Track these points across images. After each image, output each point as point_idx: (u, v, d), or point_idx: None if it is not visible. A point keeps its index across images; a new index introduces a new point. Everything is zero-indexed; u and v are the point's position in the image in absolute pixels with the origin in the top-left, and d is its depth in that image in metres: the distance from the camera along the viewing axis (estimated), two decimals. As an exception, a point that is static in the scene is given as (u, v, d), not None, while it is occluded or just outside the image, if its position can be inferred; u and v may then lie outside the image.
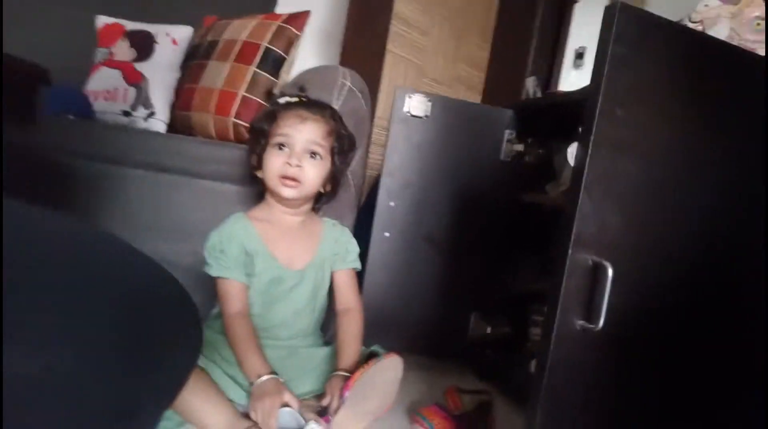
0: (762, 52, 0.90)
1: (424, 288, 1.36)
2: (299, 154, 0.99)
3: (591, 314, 0.61)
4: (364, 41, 1.91)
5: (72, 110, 1.34)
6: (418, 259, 1.34)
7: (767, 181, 0.69)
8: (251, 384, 0.87)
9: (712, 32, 0.91)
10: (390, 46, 2.00)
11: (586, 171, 0.60)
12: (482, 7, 2.48)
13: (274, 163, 0.99)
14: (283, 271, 1.01)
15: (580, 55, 1.45)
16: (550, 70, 2.64)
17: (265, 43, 1.47)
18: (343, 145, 1.05)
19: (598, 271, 0.61)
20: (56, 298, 0.34)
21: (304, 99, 1.04)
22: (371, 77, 1.97)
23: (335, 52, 1.98)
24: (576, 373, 0.63)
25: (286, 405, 0.85)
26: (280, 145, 1.00)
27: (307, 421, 0.85)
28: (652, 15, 0.59)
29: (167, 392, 0.47)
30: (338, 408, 0.86)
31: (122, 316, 0.40)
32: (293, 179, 0.98)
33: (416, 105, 1.28)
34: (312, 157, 1.00)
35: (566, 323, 0.62)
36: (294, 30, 1.51)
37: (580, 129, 0.62)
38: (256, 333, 0.96)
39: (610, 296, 0.60)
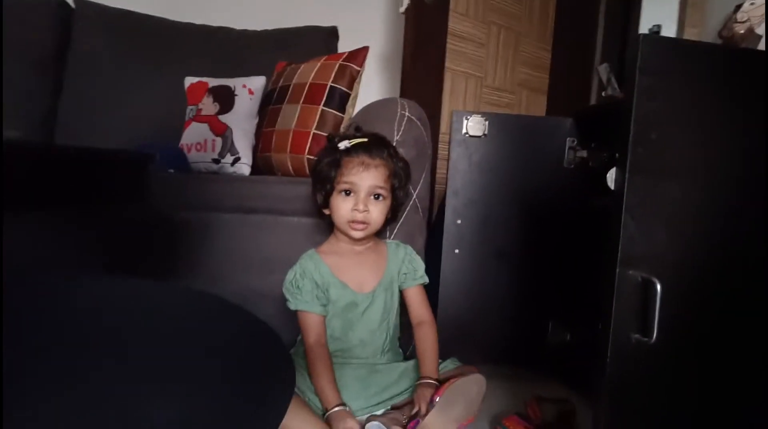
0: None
1: (498, 299, 1.40)
2: (364, 199, 1.08)
3: (644, 328, 0.64)
4: (422, 63, 1.99)
5: (172, 165, 1.54)
6: (489, 272, 1.39)
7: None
8: (325, 411, 0.98)
9: (760, 30, 0.88)
10: (449, 63, 2.06)
11: (625, 194, 0.64)
12: (539, 8, 2.46)
13: (343, 209, 1.09)
14: (355, 295, 1.11)
15: (655, 35, 1.41)
16: (622, 55, 2.57)
17: (329, 83, 1.59)
18: (401, 180, 1.13)
19: (647, 287, 0.64)
20: (184, 358, 0.45)
21: (363, 140, 1.11)
22: (433, 96, 2.05)
23: (396, 77, 2.08)
24: (635, 384, 0.66)
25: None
26: (347, 191, 1.09)
27: None
28: (674, 40, 0.62)
29: (271, 423, 0.58)
30: (428, 411, 0.96)
31: (233, 364, 0.51)
32: (361, 222, 1.08)
33: (473, 125, 1.34)
34: (376, 198, 1.10)
35: (621, 338, 0.65)
36: (355, 66, 1.62)
37: (616, 155, 0.65)
38: (330, 361, 1.05)
39: (661, 310, 0.63)
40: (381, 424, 0.96)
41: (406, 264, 1.18)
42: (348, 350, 1.11)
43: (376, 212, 1.09)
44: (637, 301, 0.65)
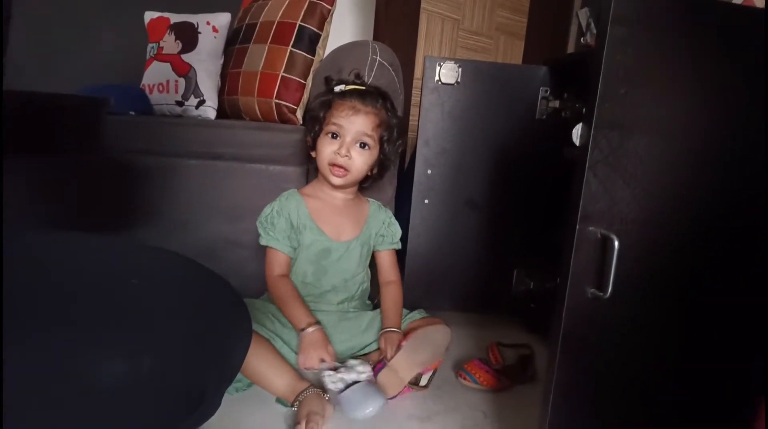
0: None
1: (467, 249, 1.42)
2: (349, 144, 1.06)
3: (601, 283, 0.66)
4: (397, 3, 1.90)
5: (133, 107, 1.47)
6: (459, 222, 1.40)
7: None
8: (301, 330, 0.99)
9: (738, -19, 0.86)
10: (424, 4, 1.97)
11: (589, 151, 0.63)
12: (521, -54, 2.36)
13: (326, 151, 1.07)
14: (330, 243, 1.11)
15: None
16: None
17: (299, 22, 1.52)
18: (392, 133, 1.12)
19: (605, 243, 0.65)
20: (133, 313, 0.44)
21: (359, 88, 1.10)
22: (407, 40, 1.98)
23: (369, 18, 1.99)
24: (588, 337, 0.69)
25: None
26: (333, 134, 1.07)
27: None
28: (650, -9, 0.59)
29: (227, 373, 0.58)
30: (395, 353, 1.00)
31: (185, 320, 0.50)
32: (342, 168, 1.06)
33: (446, 73, 1.30)
34: (361, 147, 1.08)
35: (578, 292, 0.67)
36: (326, 5, 1.54)
37: (583, 110, 0.64)
38: (297, 290, 1.08)
39: (617, 266, 0.64)
40: (366, 363, 0.98)
41: (385, 227, 1.19)
42: (320, 295, 1.13)
43: (360, 161, 1.08)
44: (595, 257, 0.66)
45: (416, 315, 1.15)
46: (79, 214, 1.18)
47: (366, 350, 1.09)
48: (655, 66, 0.64)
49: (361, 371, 0.95)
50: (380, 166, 1.15)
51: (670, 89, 0.65)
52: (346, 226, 1.15)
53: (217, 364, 0.52)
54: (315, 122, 1.10)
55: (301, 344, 0.98)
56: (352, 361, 0.97)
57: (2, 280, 0.42)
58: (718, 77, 0.66)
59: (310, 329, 0.99)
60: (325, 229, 1.11)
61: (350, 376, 0.93)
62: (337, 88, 1.11)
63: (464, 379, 1.10)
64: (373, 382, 0.95)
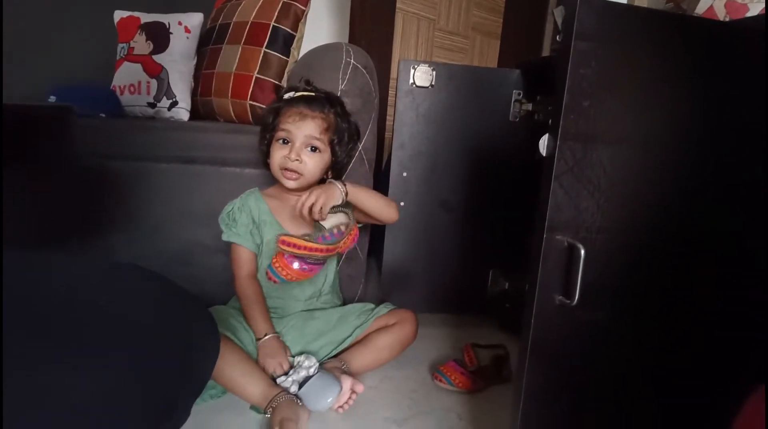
0: (755, 9, 0.88)
1: (442, 250, 1.43)
2: (299, 148, 1.08)
3: (568, 290, 0.67)
4: (372, 4, 1.89)
5: (103, 109, 1.44)
6: (434, 224, 1.41)
7: (738, 150, 0.71)
8: (258, 339, 1.04)
9: (701, -9, 0.88)
10: (400, 4, 1.97)
11: (555, 162, 0.65)
12: (497, -55, 2.37)
13: (277, 156, 1.09)
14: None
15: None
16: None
17: (272, 23, 1.51)
18: (342, 136, 1.12)
19: (572, 252, 0.67)
20: (102, 330, 0.44)
21: (307, 93, 1.11)
22: (383, 40, 1.97)
23: (345, 18, 1.98)
24: (556, 343, 0.70)
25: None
26: (284, 140, 1.09)
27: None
28: (613, 5, 0.61)
29: (197, 384, 0.58)
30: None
31: (152, 333, 0.50)
32: (294, 172, 1.08)
33: (420, 76, 1.30)
34: (312, 150, 1.09)
35: (546, 299, 0.68)
36: (299, 5, 1.53)
37: (549, 122, 0.65)
38: (261, 292, 1.11)
39: (583, 274, 0.65)
40: (310, 355, 1.04)
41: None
42: (287, 291, 1.14)
43: (311, 164, 1.09)
44: (562, 265, 0.68)
45: (383, 309, 1.16)
46: (51, 221, 1.15)
47: (342, 346, 1.11)
48: (617, 79, 0.65)
49: (309, 366, 1.00)
50: (334, 170, 1.16)
51: (631, 101, 0.67)
52: (303, 223, 1.16)
53: (186, 378, 0.52)
54: (266, 130, 1.13)
55: (260, 353, 1.02)
56: (298, 359, 1.02)
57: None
58: (677, 88, 0.68)
59: (266, 337, 1.03)
60: (284, 224, 1.14)
61: (300, 375, 0.98)
62: (286, 96, 1.13)
63: (440, 381, 1.11)
64: (325, 372, 1.00)
